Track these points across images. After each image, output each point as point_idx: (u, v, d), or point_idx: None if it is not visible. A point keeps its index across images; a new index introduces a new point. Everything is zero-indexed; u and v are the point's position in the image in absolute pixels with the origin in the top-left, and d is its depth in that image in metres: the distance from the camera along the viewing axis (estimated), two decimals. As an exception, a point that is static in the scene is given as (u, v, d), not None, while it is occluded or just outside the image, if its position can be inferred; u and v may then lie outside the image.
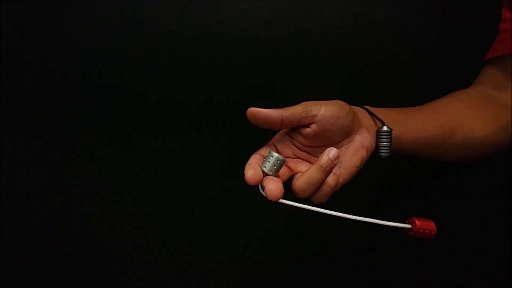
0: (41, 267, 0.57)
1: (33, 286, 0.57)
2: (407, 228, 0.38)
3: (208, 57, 0.54)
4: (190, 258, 0.59)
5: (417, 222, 0.37)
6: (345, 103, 0.38)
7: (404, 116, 0.42)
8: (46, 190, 0.55)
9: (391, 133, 0.39)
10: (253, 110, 0.35)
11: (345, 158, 0.38)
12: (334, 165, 0.36)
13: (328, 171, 0.35)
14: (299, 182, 0.35)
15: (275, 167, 0.36)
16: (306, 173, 0.35)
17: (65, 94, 0.53)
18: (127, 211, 0.57)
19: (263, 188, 0.35)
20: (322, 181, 0.35)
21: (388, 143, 0.39)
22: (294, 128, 0.38)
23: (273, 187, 0.34)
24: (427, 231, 0.37)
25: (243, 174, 0.35)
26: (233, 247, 0.60)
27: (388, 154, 0.40)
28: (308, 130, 0.37)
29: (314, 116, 0.36)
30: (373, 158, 0.41)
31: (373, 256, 0.61)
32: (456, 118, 0.43)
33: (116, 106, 0.54)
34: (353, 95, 0.58)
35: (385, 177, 0.60)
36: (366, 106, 0.42)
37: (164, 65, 0.54)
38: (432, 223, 0.37)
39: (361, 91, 0.58)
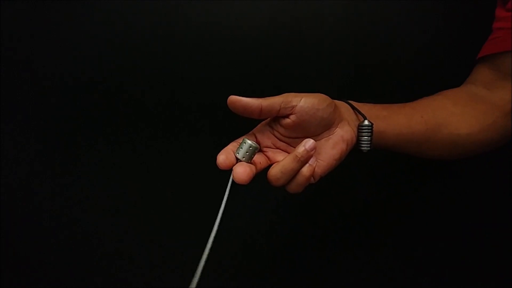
0: (41, 267, 0.58)
1: (33, 286, 0.58)
2: None
3: (208, 58, 0.54)
4: (191, 258, 0.60)
5: None
6: (326, 96, 0.38)
7: (389, 111, 0.42)
8: (46, 191, 0.56)
9: (372, 127, 0.39)
10: (233, 98, 0.36)
11: (325, 150, 0.38)
12: (310, 156, 0.36)
13: (303, 161, 0.36)
14: (274, 170, 0.36)
15: (247, 153, 0.36)
16: (281, 162, 0.36)
17: (65, 95, 0.53)
18: (127, 211, 0.58)
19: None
20: (297, 171, 0.36)
21: (369, 137, 0.39)
22: (274, 119, 0.39)
23: (240, 171, 0.35)
24: None
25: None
26: (234, 247, 0.60)
27: (369, 149, 0.40)
28: (287, 120, 0.37)
29: (293, 107, 0.37)
30: (355, 152, 0.41)
31: (374, 256, 0.61)
32: (442, 115, 0.43)
33: (116, 106, 0.54)
34: (353, 95, 0.59)
35: (384, 177, 0.59)
36: (350, 101, 0.42)
37: (164, 66, 0.54)
38: None
39: (361, 91, 0.59)
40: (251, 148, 0.36)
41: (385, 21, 0.55)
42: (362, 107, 0.41)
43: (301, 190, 0.37)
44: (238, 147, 0.37)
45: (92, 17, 0.52)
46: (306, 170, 0.36)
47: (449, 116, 0.43)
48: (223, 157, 0.36)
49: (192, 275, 0.59)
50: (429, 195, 0.60)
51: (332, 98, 0.38)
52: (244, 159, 0.36)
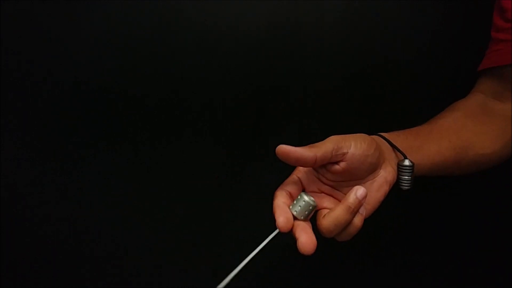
0: (41, 267, 0.56)
1: (33, 286, 0.56)
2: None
3: (207, 58, 0.53)
4: (191, 258, 0.59)
5: None
6: (369, 137, 0.37)
7: (420, 141, 0.42)
8: (46, 191, 0.54)
9: (413, 167, 0.39)
10: (284, 149, 0.34)
11: (370, 194, 0.38)
12: (361, 205, 0.35)
13: (355, 212, 0.35)
14: (326, 223, 0.35)
15: (306, 212, 0.35)
16: (333, 214, 0.35)
17: (65, 95, 0.51)
18: (128, 211, 0.56)
19: (295, 238, 0.34)
20: (349, 222, 0.35)
21: (410, 177, 0.39)
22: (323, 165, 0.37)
23: (307, 241, 0.33)
24: None
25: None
26: (235, 246, 0.60)
27: (409, 188, 0.40)
28: (336, 167, 0.36)
29: (344, 154, 0.35)
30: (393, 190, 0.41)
31: (374, 256, 0.63)
32: (466, 137, 0.44)
33: (116, 106, 0.52)
34: (353, 95, 0.59)
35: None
36: (383, 134, 0.41)
37: (164, 66, 0.52)
38: None
39: (361, 91, 0.58)
40: (310, 208, 0.35)
41: (386, 22, 0.55)
42: (396, 139, 0.41)
43: (350, 238, 0.37)
44: (294, 204, 0.35)
45: (92, 17, 0.49)
46: (357, 220, 0.36)
47: (472, 136, 0.44)
48: (283, 220, 0.34)
49: (194, 275, 0.59)
50: (429, 195, 0.62)
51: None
52: (302, 218, 0.35)
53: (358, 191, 0.35)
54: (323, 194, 0.39)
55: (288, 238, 0.35)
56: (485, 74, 0.48)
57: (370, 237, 0.62)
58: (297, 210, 0.35)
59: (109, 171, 0.54)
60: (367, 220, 0.61)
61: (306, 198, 0.35)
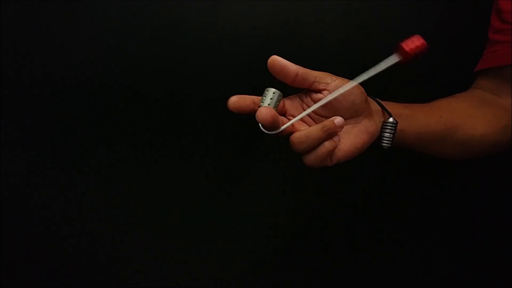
0: (41, 267, 0.55)
1: (33, 286, 0.55)
2: (399, 59, 0.36)
3: (207, 58, 0.54)
4: (192, 258, 0.58)
5: (404, 47, 0.36)
6: (361, 86, 0.39)
7: (411, 110, 0.43)
8: (46, 192, 0.54)
9: (396, 125, 0.40)
10: (274, 57, 0.36)
11: (348, 136, 0.38)
12: (336, 132, 0.36)
13: (329, 134, 0.35)
14: (299, 134, 0.35)
15: (272, 99, 0.36)
16: (307, 128, 0.36)
17: (65, 96, 0.52)
18: (127, 211, 0.56)
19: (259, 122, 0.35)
20: (321, 141, 0.35)
21: (392, 135, 0.40)
22: (306, 92, 0.39)
23: (265, 110, 0.34)
24: (418, 48, 0.35)
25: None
26: (235, 246, 0.58)
27: (389, 145, 0.40)
28: (319, 95, 0.37)
29: (327, 83, 0.37)
30: (374, 148, 0.41)
31: (375, 256, 0.60)
32: (459, 116, 0.44)
33: (116, 106, 0.53)
34: None
35: (385, 176, 0.59)
36: (377, 98, 0.42)
37: (164, 66, 0.54)
38: (420, 39, 0.36)
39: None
40: (274, 94, 0.36)
41: (386, 22, 0.56)
42: (387, 104, 0.42)
43: (317, 164, 0.37)
44: (262, 98, 0.36)
45: (92, 17, 0.51)
46: (329, 143, 0.36)
47: (465, 117, 0.44)
48: (235, 99, 0.36)
49: (194, 275, 0.57)
50: (429, 196, 0.61)
51: None
52: (269, 105, 0.35)
53: (337, 118, 0.36)
54: (303, 122, 0.39)
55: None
56: (483, 74, 0.49)
57: (370, 237, 0.60)
58: (263, 101, 0.36)
59: (109, 170, 0.55)
60: (367, 220, 0.61)
61: (270, 88, 0.36)
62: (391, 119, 0.40)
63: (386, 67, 0.36)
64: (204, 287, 0.58)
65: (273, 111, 0.34)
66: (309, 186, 0.57)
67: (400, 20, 0.56)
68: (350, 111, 0.38)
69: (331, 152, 0.36)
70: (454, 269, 0.61)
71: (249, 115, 0.37)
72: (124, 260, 0.56)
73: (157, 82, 0.53)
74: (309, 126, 0.39)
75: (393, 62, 0.36)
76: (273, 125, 0.35)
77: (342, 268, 0.60)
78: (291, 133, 0.36)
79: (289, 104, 0.39)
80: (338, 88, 0.37)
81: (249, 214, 0.57)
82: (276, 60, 0.36)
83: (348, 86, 0.36)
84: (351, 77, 0.54)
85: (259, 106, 0.36)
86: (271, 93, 0.36)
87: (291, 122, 0.37)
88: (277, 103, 0.36)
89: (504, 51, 0.45)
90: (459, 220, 0.61)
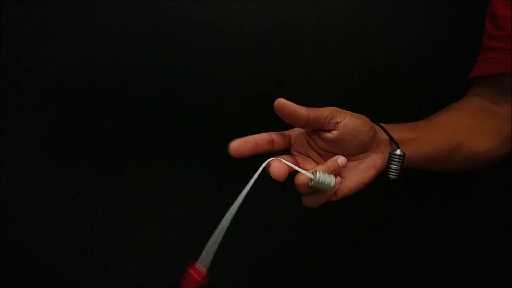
0: (41, 267, 0.55)
1: (33, 286, 0.55)
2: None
3: (208, 58, 0.53)
4: (191, 258, 0.58)
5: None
6: (368, 119, 0.37)
7: (417, 134, 0.42)
8: (45, 192, 0.53)
9: (404, 158, 0.39)
10: (282, 102, 0.34)
11: (356, 173, 0.38)
12: (340, 172, 0.35)
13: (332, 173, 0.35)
14: (303, 177, 0.34)
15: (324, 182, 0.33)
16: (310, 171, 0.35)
17: (65, 96, 0.51)
18: (127, 210, 0.56)
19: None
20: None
21: (399, 167, 0.39)
22: (315, 130, 0.38)
23: (278, 166, 0.33)
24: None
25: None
26: (234, 247, 0.58)
27: (396, 177, 0.40)
28: (328, 135, 0.36)
29: (338, 123, 0.36)
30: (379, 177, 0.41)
31: (375, 256, 0.62)
32: (461, 133, 0.44)
33: (116, 106, 0.52)
34: (352, 95, 0.58)
35: (386, 177, 0.61)
36: (382, 124, 0.41)
37: (164, 65, 0.52)
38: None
39: (361, 91, 0.58)
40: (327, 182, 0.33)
41: (386, 22, 0.55)
42: (392, 130, 0.41)
43: (315, 206, 0.37)
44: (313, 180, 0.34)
45: (92, 17, 0.49)
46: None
47: (468, 134, 0.44)
48: (235, 146, 0.36)
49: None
50: (430, 196, 0.62)
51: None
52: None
53: (340, 158, 0.35)
54: (308, 158, 0.39)
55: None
56: (479, 80, 0.48)
57: (370, 238, 0.62)
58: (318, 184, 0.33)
59: (109, 170, 0.54)
60: (367, 220, 0.62)
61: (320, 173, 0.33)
62: (398, 151, 0.39)
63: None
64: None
65: (286, 168, 0.34)
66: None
67: (401, 20, 0.54)
68: (359, 148, 0.37)
69: (329, 197, 0.36)
70: (454, 269, 0.62)
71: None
72: (123, 260, 0.57)
73: (157, 81, 0.52)
74: (314, 161, 0.39)
75: None
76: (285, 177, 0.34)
77: (342, 268, 0.61)
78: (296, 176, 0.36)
79: (295, 138, 0.38)
80: (348, 128, 0.36)
81: (248, 214, 0.58)
82: (285, 105, 0.34)
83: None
84: (352, 79, 0.53)
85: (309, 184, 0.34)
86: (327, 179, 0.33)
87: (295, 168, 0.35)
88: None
89: (500, 59, 0.43)
90: (459, 220, 0.62)
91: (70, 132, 0.52)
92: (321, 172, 0.33)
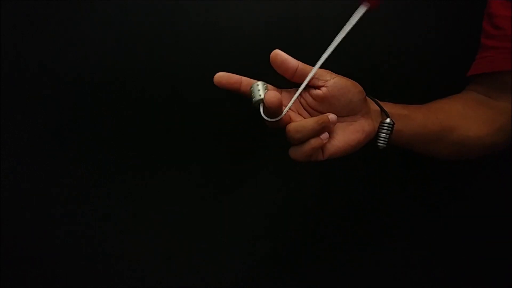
0: (41, 267, 0.55)
1: (33, 286, 0.55)
2: (368, 7, 0.37)
3: (207, 58, 0.54)
4: (191, 257, 0.58)
5: None
6: (358, 84, 0.39)
7: (408, 111, 0.43)
8: (45, 192, 0.54)
9: (393, 126, 0.40)
10: (277, 51, 0.37)
11: (343, 133, 0.38)
12: (330, 127, 0.36)
13: (323, 127, 0.36)
14: (295, 124, 0.36)
15: (265, 89, 0.37)
16: (303, 120, 0.37)
17: (65, 96, 0.52)
18: (127, 210, 0.56)
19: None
20: (315, 133, 0.36)
21: (388, 135, 0.40)
22: (306, 87, 0.39)
23: (272, 93, 0.35)
24: None
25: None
26: (234, 247, 0.59)
27: (385, 146, 0.40)
28: (317, 91, 0.38)
29: (326, 81, 0.37)
30: (370, 148, 0.41)
31: (374, 256, 0.60)
32: (454, 117, 0.45)
33: (115, 107, 0.53)
34: None
35: (385, 177, 0.59)
36: (376, 99, 0.42)
37: (164, 66, 0.54)
38: None
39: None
40: (263, 85, 0.37)
41: (386, 22, 0.56)
42: (385, 105, 0.42)
43: (301, 159, 0.37)
44: (252, 93, 0.38)
45: (92, 17, 0.51)
46: (314, 140, 0.36)
47: (460, 119, 0.45)
48: (221, 74, 0.38)
49: (194, 275, 0.57)
50: (429, 196, 0.61)
51: None
52: (261, 97, 0.37)
53: (330, 115, 0.37)
54: (299, 116, 0.40)
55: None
56: (476, 78, 0.49)
57: (370, 238, 0.60)
58: (254, 97, 0.37)
59: (109, 170, 0.55)
60: (367, 220, 0.61)
61: (254, 84, 0.37)
62: (388, 120, 0.40)
63: (358, 18, 0.37)
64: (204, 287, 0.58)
65: (279, 95, 0.35)
66: (309, 186, 0.58)
67: (401, 20, 0.56)
68: (347, 109, 0.38)
69: (315, 150, 0.37)
70: (454, 269, 0.61)
71: (232, 91, 0.39)
72: (123, 261, 0.56)
73: (157, 81, 0.53)
74: (303, 117, 0.40)
75: (363, 12, 0.37)
76: (278, 108, 0.36)
77: (342, 268, 0.60)
78: (289, 124, 0.37)
79: (286, 96, 0.40)
80: (336, 85, 0.37)
81: (248, 214, 0.58)
82: (278, 54, 0.37)
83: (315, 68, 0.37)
84: (351, 77, 0.55)
85: (253, 100, 0.37)
86: (260, 86, 0.37)
87: (290, 103, 0.38)
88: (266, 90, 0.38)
89: (497, 58, 0.44)
90: (459, 219, 0.61)
91: (70, 132, 0.52)
92: (260, 85, 0.37)
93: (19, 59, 0.50)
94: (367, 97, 0.41)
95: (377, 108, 0.41)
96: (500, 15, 0.44)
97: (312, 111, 0.39)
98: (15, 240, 0.54)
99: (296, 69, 0.37)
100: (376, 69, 0.57)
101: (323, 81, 0.37)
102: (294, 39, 0.55)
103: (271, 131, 0.41)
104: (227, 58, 0.53)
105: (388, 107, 0.42)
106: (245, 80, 0.39)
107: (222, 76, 0.38)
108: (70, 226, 0.54)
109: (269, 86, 0.39)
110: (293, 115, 0.39)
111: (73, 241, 0.55)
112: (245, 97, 0.39)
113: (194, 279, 0.58)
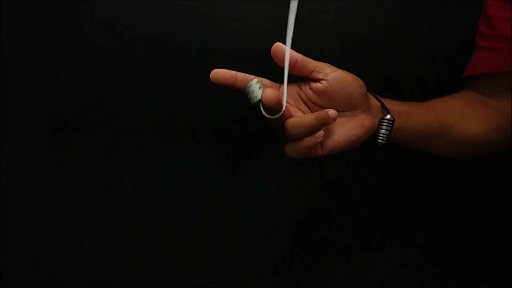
0: (41, 267, 0.55)
1: (33, 286, 0.55)
2: None
3: (207, 58, 0.53)
4: (191, 257, 0.58)
5: None
6: (359, 78, 0.39)
7: (408, 108, 0.43)
8: (45, 192, 0.54)
9: (393, 122, 0.39)
10: (278, 44, 0.38)
11: (343, 128, 0.38)
12: (329, 123, 0.36)
13: (322, 123, 0.35)
14: (293, 119, 0.36)
15: (260, 88, 0.37)
16: (302, 115, 0.36)
17: (65, 96, 0.52)
18: (127, 210, 0.56)
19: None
20: (314, 129, 0.35)
21: (388, 132, 0.40)
22: (305, 81, 0.39)
23: (270, 92, 0.35)
24: None
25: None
26: (233, 247, 0.59)
27: (384, 142, 0.40)
28: (318, 85, 0.38)
29: (326, 74, 0.37)
30: (370, 145, 0.41)
31: (375, 256, 0.60)
32: (453, 115, 0.45)
33: (116, 107, 0.53)
34: None
35: (385, 178, 0.59)
36: (377, 95, 0.42)
37: (164, 66, 0.54)
38: None
39: None
40: (260, 83, 0.37)
41: (386, 22, 0.56)
42: (385, 101, 0.42)
43: (295, 157, 0.37)
44: (249, 92, 0.37)
45: (92, 16, 0.51)
46: (308, 139, 0.36)
47: (460, 116, 0.45)
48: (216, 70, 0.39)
49: (194, 275, 0.57)
50: (429, 196, 0.60)
51: None
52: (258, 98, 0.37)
53: (330, 110, 0.36)
54: (299, 110, 0.40)
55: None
56: (472, 78, 0.49)
57: (370, 238, 0.60)
58: (251, 96, 0.37)
59: (109, 170, 0.54)
60: (366, 221, 0.60)
61: (250, 82, 0.37)
62: (388, 116, 0.40)
63: None
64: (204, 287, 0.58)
65: (278, 93, 0.35)
66: (309, 186, 0.57)
67: (401, 20, 0.55)
68: (348, 104, 0.38)
69: (309, 148, 0.36)
70: (453, 269, 0.61)
71: (227, 87, 0.39)
72: (123, 261, 0.56)
73: (157, 81, 0.53)
74: (302, 112, 0.40)
75: None
76: (278, 105, 0.35)
77: (342, 268, 0.60)
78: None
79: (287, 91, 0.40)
80: (337, 79, 0.37)
81: (248, 214, 0.58)
82: (279, 46, 0.37)
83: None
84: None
85: (251, 102, 0.37)
86: (255, 86, 0.37)
87: (284, 98, 0.38)
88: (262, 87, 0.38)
89: (492, 59, 0.44)
90: (459, 219, 0.60)
91: (70, 132, 0.52)
92: (255, 85, 0.37)
93: (19, 59, 0.50)
94: (367, 93, 0.41)
95: (377, 104, 0.41)
96: (496, 16, 0.45)
97: (312, 105, 0.39)
98: (15, 240, 0.53)
99: (296, 61, 0.37)
100: (375, 67, 0.56)
101: (323, 74, 0.37)
102: (294, 39, 0.55)
103: (276, 127, 0.41)
104: (227, 58, 0.53)
105: (388, 103, 0.42)
106: (240, 75, 0.39)
107: (217, 72, 0.38)
108: (70, 226, 0.54)
109: (265, 81, 0.39)
110: (293, 110, 0.39)
111: (73, 241, 0.54)
112: (241, 94, 0.39)
113: (193, 279, 0.57)
